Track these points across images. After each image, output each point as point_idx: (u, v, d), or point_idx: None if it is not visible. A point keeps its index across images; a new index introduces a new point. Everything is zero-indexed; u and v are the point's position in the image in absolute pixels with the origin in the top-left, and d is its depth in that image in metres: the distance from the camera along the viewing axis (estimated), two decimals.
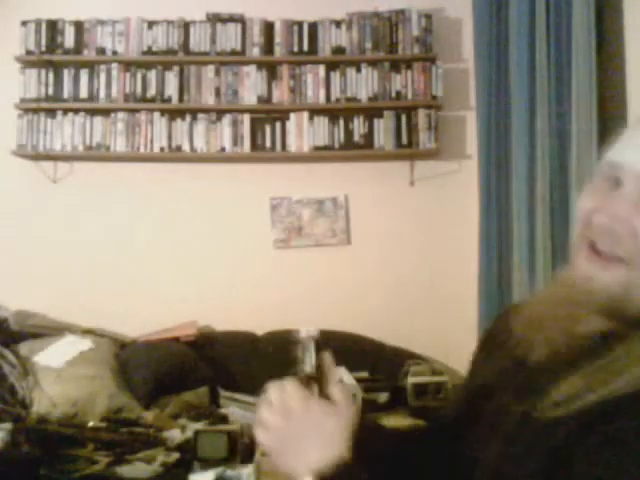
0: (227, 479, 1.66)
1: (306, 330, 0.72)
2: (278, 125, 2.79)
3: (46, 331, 2.57)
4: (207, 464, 1.71)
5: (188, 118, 2.79)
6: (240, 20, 2.83)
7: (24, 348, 2.41)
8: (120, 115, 2.78)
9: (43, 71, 2.80)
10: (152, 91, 2.81)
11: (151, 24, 2.83)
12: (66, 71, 2.81)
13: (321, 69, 2.80)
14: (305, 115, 2.77)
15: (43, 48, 2.81)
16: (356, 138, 2.78)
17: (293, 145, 2.78)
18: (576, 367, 0.55)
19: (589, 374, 0.53)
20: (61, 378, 2.23)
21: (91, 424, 2.02)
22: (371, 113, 2.78)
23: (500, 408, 0.62)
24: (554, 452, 0.53)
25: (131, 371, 2.39)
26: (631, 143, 0.57)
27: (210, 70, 2.80)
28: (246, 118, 2.79)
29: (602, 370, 0.53)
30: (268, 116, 2.80)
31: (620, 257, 0.54)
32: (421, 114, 2.76)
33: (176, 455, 1.81)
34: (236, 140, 2.79)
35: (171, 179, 2.88)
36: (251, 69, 2.81)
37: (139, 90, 2.81)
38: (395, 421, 1.98)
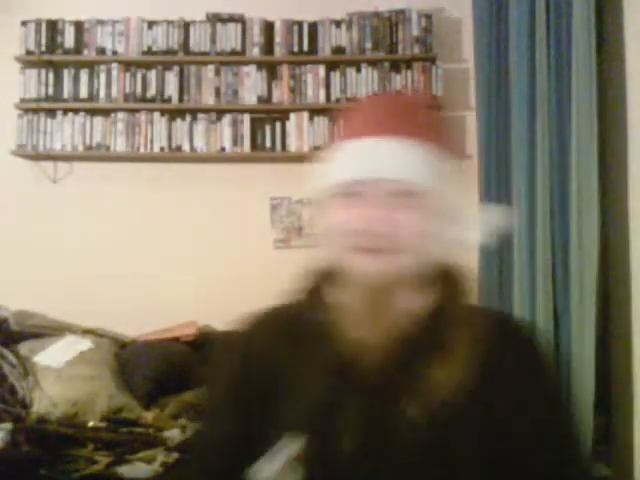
0: None
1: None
2: (278, 125, 2.79)
3: (46, 331, 2.57)
4: None
5: (188, 118, 2.79)
6: (240, 20, 2.83)
7: (24, 348, 2.41)
8: (120, 115, 2.78)
9: (43, 71, 2.81)
10: (152, 91, 2.81)
11: (151, 24, 2.83)
12: (66, 71, 2.82)
13: (321, 69, 2.80)
14: (305, 115, 2.77)
15: (43, 48, 2.81)
16: None
17: (293, 145, 2.78)
18: (423, 355, 0.67)
19: (444, 362, 0.66)
20: (61, 378, 2.23)
21: (91, 424, 2.02)
22: None
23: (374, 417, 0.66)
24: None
25: (131, 371, 2.39)
26: (358, 160, 0.70)
27: (210, 70, 2.80)
28: (246, 118, 2.79)
29: (451, 352, 0.66)
30: (268, 116, 2.80)
31: (387, 247, 0.67)
32: None
33: (176, 455, 1.81)
34: (236, 140, 2.79)
35: (171, 179, 2.88)
36: (251, 69, 2.81)
37: (139, 90, 2.81)
38: None
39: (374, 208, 0.67)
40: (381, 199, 0.67)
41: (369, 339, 0.68)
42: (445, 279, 0.74)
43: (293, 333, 0.75)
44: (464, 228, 0.74)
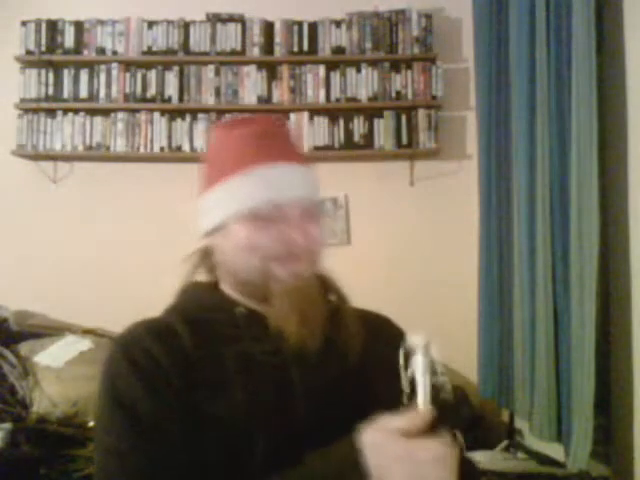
0: None
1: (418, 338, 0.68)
2: None
3: (46, 331, 2.57)
4: None
5: (188, 118, 2.79)
6: (240, 20, 2.83)
7: (24, 348, 2.41)
8: (120, 115, 2.79)
9: (43, 71, 2.81)
10: (152, 91, 2.81)
11: (151, 24, 2.83)
12: (66, 71, 2.82)
13: (321, 69, 2.80)
14: (305, 115, 2.77)
15: (43, 48, 2.81)
16: (356, 138, 2.78)
17: None
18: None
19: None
20: (61, 378, 2.23)
21: (91, 424, 2.02)
22: (371, 113, 2.78)
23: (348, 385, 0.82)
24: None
25: None
26: (277, 185, 0.81)
27: (210, 70, 2.81)
28: None
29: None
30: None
31: (304, 256, 0.81)
32: (421, 114, 2.76)
33: None
34: None
35: (171, 179, 2.88)
36: (251, 69, 2.81)
37: (139, 90, 2.81)
38: None
39: (293, 225, 0.80)
40: (296, 216, 0.81)
41: (301, 330, 0.79)
42: (329, 279, 0.92)
43: (222, 332, 0.83)
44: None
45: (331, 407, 0.75)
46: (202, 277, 0.94)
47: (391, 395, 0.71)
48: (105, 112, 2.80)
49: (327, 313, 0.85)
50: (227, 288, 0.89)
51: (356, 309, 0.93)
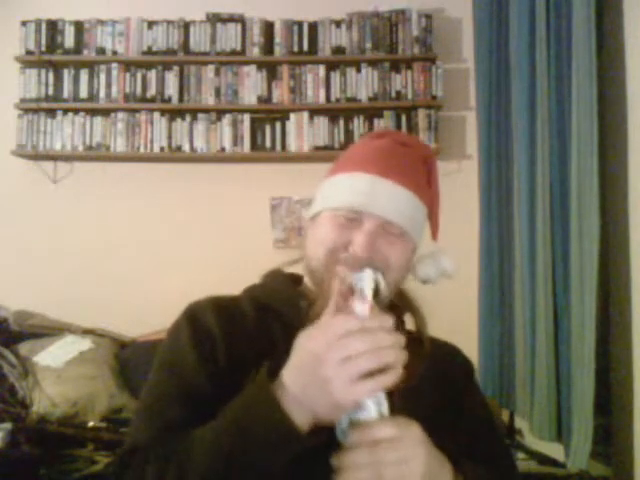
0: None
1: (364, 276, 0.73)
2: (278, 125, 2.79)
3: (46, 331, 2.57)
4: None
5: (188, 118, 2.79)
6: (240, 20, 2.83)
7: (24, 348, 2.41)
8: (120, 115, 2.79)
9: (43, 71, 2.81)
10: (152, 91, 2.81)
11: (151, 24, 2.83)
12: (66, 71, 2.82)
13: (321, 69, 2.80)
14: (305, 115, 2.78)
15: (43, 48, 2.82)
16: (356, 138, 2.78)
17: (293, 145, 2.78)
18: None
19: None
20: (61, 378, 2.23)
21: (91, 424, 2.02)
22: (371, 113, 2.78)
23: None
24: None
25: (131, 371, 2.39)
26: (368, 193, 0.84)
27: (210, 70, 2.81)
28: (246, 118, 2.79)
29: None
30: (268, 116, 2.81)
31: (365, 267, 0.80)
32: (421, 114, 2.76)
33: None
34: (236, 140, 2.79)
35: (171, 179, 2.88)
36: (251, 69, 2.81)
37: (139, 90, 2.81)
38: None
39: (365, 235, 0.82)
40: (370, 228, 0.83)
41: None
42: (403, 301, 0.95)
43: (284, 318, 0.86)
44: (421, 268, 0.94)
45: None
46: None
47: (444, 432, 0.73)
48: (105, 112, 2.80)
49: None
50: (307, 278, 0.91)
51: (430, 338, 0.94)
